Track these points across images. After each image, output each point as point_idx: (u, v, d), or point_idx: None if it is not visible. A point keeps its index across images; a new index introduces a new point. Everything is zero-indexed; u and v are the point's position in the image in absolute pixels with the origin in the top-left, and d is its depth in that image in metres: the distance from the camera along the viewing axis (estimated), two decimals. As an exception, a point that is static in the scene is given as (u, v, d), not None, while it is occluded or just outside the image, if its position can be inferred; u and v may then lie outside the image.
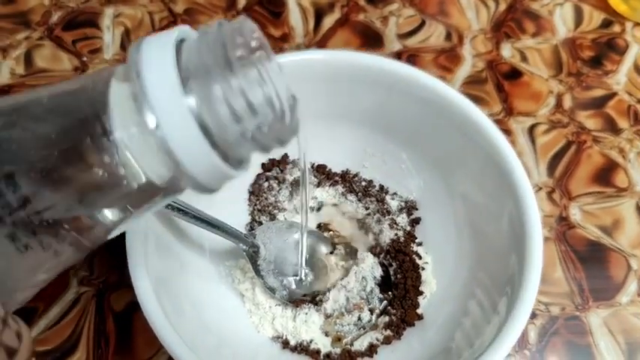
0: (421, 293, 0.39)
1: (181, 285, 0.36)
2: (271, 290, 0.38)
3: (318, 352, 0.37)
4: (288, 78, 0.38)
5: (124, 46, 0.54)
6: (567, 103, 0.53)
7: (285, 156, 0.44)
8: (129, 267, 0.32)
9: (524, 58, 0.55)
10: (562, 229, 0.46)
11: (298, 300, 0.39)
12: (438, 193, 0.41)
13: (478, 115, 0.37)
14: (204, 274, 0.38)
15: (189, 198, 0.34)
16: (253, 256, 0.38)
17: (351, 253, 0.41)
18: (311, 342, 0.38)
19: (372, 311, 0.39)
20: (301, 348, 0.37)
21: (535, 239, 0.33)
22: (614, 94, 0.53)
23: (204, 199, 0.35)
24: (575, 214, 0.47)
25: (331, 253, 0.41)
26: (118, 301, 0.42)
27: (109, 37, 0.55)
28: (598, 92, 0.53)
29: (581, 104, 0.53)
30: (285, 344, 0.38)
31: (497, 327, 0.32)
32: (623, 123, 0.51)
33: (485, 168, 0.37)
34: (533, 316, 0.42)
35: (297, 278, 0.39)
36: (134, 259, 0.31)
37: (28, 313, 0.41)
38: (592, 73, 0.55)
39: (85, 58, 0.53)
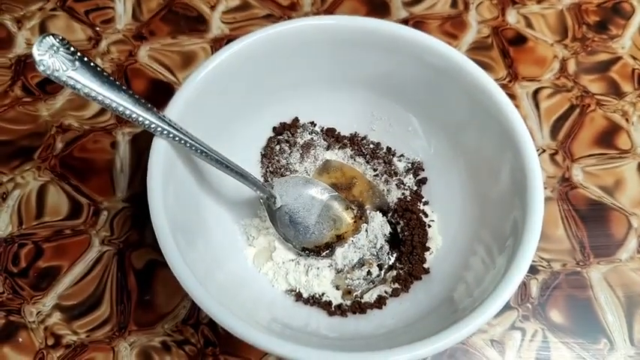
0: (428, 249, 0.41)
1: (199, 233, 0.38)
2: (285, 239, 0.40)
3: (329, 303, 0.39)
4: (299, 44, 0.40)
5: (135, 16, 0.55)
6: (572, 67, 0.53)
7: (296, 120, 0.45)
8: (149, 205, 0.33)
9: (529, 24, 0.56)
10: (564, 190, 0.47)
11: (311, 250, 0.41)
12: (443, 154, 0.42)
13: (484, 77, 0.38)
14: (222, 228, 0.40)
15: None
16: (270, 205, 0.40)
17: (362, 212, 0.42)
18: (323, 295, 0.40)
19: (380, 267, 0.41)
20: (314, 300, 0.39)
21: (536, 191, 0.34)
22: (618, 58, 0.54)
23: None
24: (577, 174, 0.48)
25: (345, 209, 0.42)
26: (138, 259, 0.44)
27: (121, 8, 0.56)
28: (602, 57, 0.54)
29: (585, 69, 0.53)
30: (299, 297, 0.40)
31: (497, 279, 0.34)
32: (627, 87, 0.52)
33: (490, 128, 0.38)
34: (535, 271, 0.44)
35: (311, 230, 0.41)
36: (154, 201, 0.33)
37: (53, 271, 0.43)
38: (597, 37, 0.55)
39: (98, 29, 0.54)
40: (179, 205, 0.35)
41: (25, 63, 0.52)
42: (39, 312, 0.41)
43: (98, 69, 0.32)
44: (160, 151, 0.34)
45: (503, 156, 0.37)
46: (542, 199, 0.34)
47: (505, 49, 0.54)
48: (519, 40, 0.55)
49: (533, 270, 0.43)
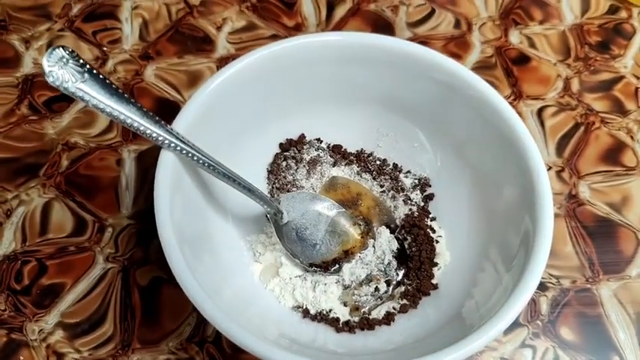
0: (435, 265, 0.41)
1: (206, 247, 0.37)
2: (293, 255, 0.40)
3: (337, 320, 0.39)
4: (305, 60, 0.40)
5: (142, 37, 0.56)
6: (575, 86, 0.54)
7: (302, 136, 0.45)
8: (156, 216, 0.33)
9: (532, 44, 0.56)
10: (572, 206, 0.47)
11: (318, 265, 0.40)
12: (451, 170, 0.42)
13: (493, 94, 0.38)
14: (228, 244, 0.40)
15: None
16: (277, 221, 0.40)
17: (369, 228, 0.42)
18: (330, 311, 0.39)
19: (388, 283, 0.41)
20: (321, 317, 0.39)
21: (546, 207, 0.34)
22: (621, 77, 0.54)
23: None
24: (584, 191, 0.48)
25: (352, 225, 0.42)
26: (142, 276, 0.43)
27: (128, 29, 0.56)
28: (605, 75, 0.54)
29: (589, 87, 0.54)
30: (306, 313, 0.39)
31: (506, 295, 0.33)
32: (630, 105, 0.52)
33: (498, 144, 0.38)
34: (545, 288, 0.43)
35: (318, 246, 0.40)
36: (161, 213, 0.33)
37: (57, 289, 0.42)
38: (599, 57, 0.56)
39: (105, 48, 0.55)
40: (186, 218, 0.35)
41: (32, 82, 0.52)
42: (41, 330, 0.41)
43: (107, 81, 0.32)
44: (168, 164, 0.34)
45: (512, 172, 0.37)
46: (552, 216, 0.34)
47: (509, 68, 0.54)
48: (523, 59, 0.55)
49: (542, 287, 0.43)
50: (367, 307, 0.40)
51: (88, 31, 0.56)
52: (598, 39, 0.57)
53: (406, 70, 0.40)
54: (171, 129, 0.35)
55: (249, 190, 0.37)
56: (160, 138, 0.34)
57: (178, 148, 0.34)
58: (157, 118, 0.34)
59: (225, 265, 0.38)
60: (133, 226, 0.45)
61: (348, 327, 0.38)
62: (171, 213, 0.33)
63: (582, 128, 0.51)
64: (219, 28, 0.56)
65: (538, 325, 0.42)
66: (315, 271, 0.40)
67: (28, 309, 0.42)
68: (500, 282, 0.36)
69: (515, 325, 0.41)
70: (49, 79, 0.30)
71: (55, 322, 0.41)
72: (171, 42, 0.55)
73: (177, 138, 0.34)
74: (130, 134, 0.50)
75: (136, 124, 0.33)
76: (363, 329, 0.38)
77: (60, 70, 0.30)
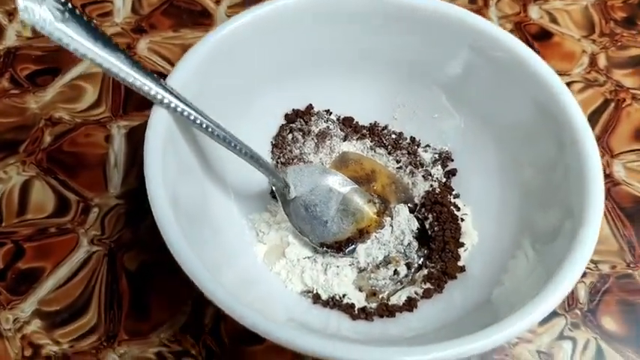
0: (462, 245, 0.36)
1: (204, 220, 0.33)
2: (302, 233, 0.35)
3: (352, 306, 0.34)
4: (315, 18, 0.36)
5: (135, 10, 0.52)
6: (602, 62, 0.50)
7: (310, 107, 0.41)
8: (145, 177, 0.28)
9: (553, 20, 0.53)
10: (606, 186, 0.43)
11: (330, 246, 0.36)
12: (477, 141, 0.38)
13: (525, 50, 0.34)
14: (229, 221, 0.35)
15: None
16: (284, 194, 0.35)
17: (386, 206, 0.38)
18: (344, 296, 0.35)
19: (409, 266, 0.36)
20: (334, 302, 0.34)
21: (596, 189, 0.29)
22: (651, 53, 0.50)
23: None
24: (618, 171, 0.44)
25: (367, 203, 0.37)
26: (131, 260, 0.38)
27: (120, 1, 0.52)
28: (634, 51, 0.51)
29: (617, 63, 0.50)
30: (316, 298, 0.35)
31: (543, 281, 0.29)
32: (662, 81, 0.49)
33: (536, 112, 0.33)
34: (583, 274, 0.39)
35: (329, 223, 0.36)
36: (152, 168, 0.28)
37: (35, 274, 0.38)
38: (626, 32, 0.52)
39: (95, 22, 0.51)
40: (181, 184, 0.31)
41: (15, 55, 0.48)
42: (16, 319, 0.36)
43: (91, 24, 0.28)
44: (161, 121, 0.30)
45: (552, 142, 0.33)
46: (603, 192, 0.30)
47: (530, 43, 0.51)
48: (544, 35, 0.52)
49: (580, 272, 0.38)
50: (386, 293, 0.35)
51: (77, 3, 0.52)
52: (623, 15, 0.54)
53: (431, 32, 0.36)
54: (166, 84, 0.30)
55: (252, 157, 0.32)
56: (152, 92, 0.29)
57: (173, 104, 0.30)
58: (149, 70, 0.30)
59: (225, 243, 0.34)
60: (121, 206, 0.41)
61: (365, 314, 0.34)
62: (163, 173, 0.29)
63: (612, 105, 0.47)
64: (217, 2, 0.52)
65: (577, 315, 0.37)
66: (327, 252, 0.36)
67: (2, 295, 0.37)
68: (536, 266, 0.31)
69: (552, 314, 0.37)
70: (24, 16, 0.26)
71: (31, 311, 0.36)
72: (166, 15, 0.51)
73: (171, 93, 0.30)
74: (121, 109, 0.45)
75: (122, 74, 0.28)
76: (382, 316, 0.34)
77: (37, 7, 0.26)
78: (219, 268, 0.30)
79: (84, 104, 0.46)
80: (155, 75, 0.30)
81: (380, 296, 0.35)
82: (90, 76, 0.47)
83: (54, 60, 0.48)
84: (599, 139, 0.45)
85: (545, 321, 0.37)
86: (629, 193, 0.42)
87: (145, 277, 0.38)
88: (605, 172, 0.42)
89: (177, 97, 0.30)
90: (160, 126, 0.30)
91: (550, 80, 0.33)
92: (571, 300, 0.38)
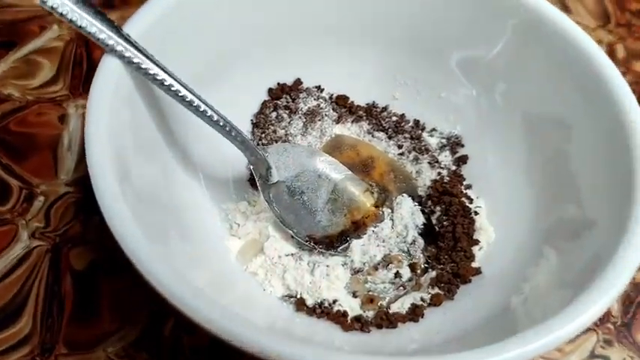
0: (476, 243, 0.31)
1: (165, 206, 0.27)
2: (284, 224, 0.29)
3: (344, 314, 0.28)
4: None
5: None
6: (620, 53, 0.46)
7: (298, 81, 0.35)
8: (85, 140, 0.22)
9: (566, 8, 0.49)
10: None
11: (319, 241, 0.30)
12: (493, 120, 0.33)
13: (568, 24, 0.29)
14: (196, 209, 0.29)
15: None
16: (264, 177, 0.29)
17: (386, 196, 0.32)
18: (334, 302, 0.28)
19: (413, 267, 0.30)
20: (322, 310, 0.28)
21: None
22: (672, 45, 0.46)
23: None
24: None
25: (363, 192, 0.32)
26: (79, 258, 0.32)
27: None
28: (653, 44, 0.46)
29: (636, 55, 0.46)
30: (301, 305, 0.28)
31: (575, 291, 0.23)
32: (688, 74, 0.44)
33: (562, 73, 0.28)
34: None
35: (319, 215, 0.30)
36: (94, 132, 0.22)
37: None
38: (644, 24, 0.48)
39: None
40: (137, 160, 0.25)
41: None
42: None
43: None
44: (111, 74, 0.24)
45: (589, 120, 0.28)
46: None
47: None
48: (557, 23, 0.47)
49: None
50: (386, 299, 0.29)
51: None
52: (639, 6, 0.50)
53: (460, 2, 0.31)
54: (121, 29, 0.24)
55: (226, 128, 0.27)
56: (102, 36, 0.23)
57: (128, 54, 0.24)
58: (99, 9, 0.24)
59: (191, 237, 0.27)
60: (71, 195, 0.34)
61: (360, 324, 0.28)
62: (112, 144, 0.23)
63: (634, 98, 0.42)
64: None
65: (610, 330, 0.31)
66: (315, 248, 0.30)
67: None
68: (565, 271, 0.25)
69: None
70: None
71: (-50, 316, 0.30)
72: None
73: (127, 40, 0.24)
74: (81, 87, 0.39)
75: (63, 9, 0.22)
76: (380, 327, 0.27)
77: None
78: (183, 269, 0.24)
79: (38, 80, 0.40)
80: (106, 15, 0.24)
81: (379, 303, 0.29)
82: (49, 51, 0.41)
83: (10, 33, 0.42)
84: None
85: (574, 337, 0.31)
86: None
87: (93, 278, 0.31)
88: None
89: (134, 46, 0.24)
90: (109, 82, 0.24)
91: (601, 63, 0.27)
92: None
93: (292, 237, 0.30)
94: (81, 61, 0.41)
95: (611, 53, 0.46)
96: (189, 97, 0.25)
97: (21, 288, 0.31)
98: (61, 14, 0.23)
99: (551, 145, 0.30)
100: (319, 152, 0.32)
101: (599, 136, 0.27)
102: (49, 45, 0.42)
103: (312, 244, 0.30)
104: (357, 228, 0.31)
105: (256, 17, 0.31)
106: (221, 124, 0.26)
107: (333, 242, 0.30)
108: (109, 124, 0.23)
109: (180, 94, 0.25)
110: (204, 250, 0.28)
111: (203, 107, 0.26)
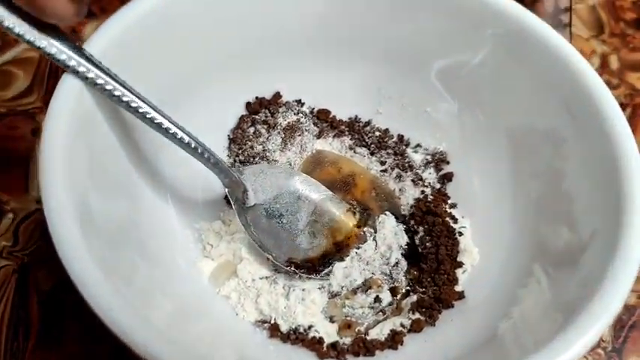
0: (460, 265, 0.29)
1: (131, 233, 0.25)
2: (262, 249, 0.28)
3: (320, 341, 0.27)
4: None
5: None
6: (614, 64, 0.45)
7: (277, 95, 0.34)
8: (39, 174, 0.21)
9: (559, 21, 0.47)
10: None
11: (300, 266, 0.28)
12: (480, 137, 0.31)
13: (563, 44, 0.27)
14: (164, 230, 0.28)
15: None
16: (240, 200, 0.28)
17: (369, 215, 0.31)
18: (310, 328, 0.27)
19: (393, 291, 0.29)
20: (296, 336, 0.27)
21: (635, 192, 0.23)
22: (666, 56, 0.45)
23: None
24: (640, 183, 0.37)
25: (344, 213, 0.30)
26: (47, 279, 0.31)
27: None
28: (648, 54, 0.45)
29: (630, 66, 0.45)
30: (274, 331, 0.27)
31: (566, 317, 0.22)
32: (682, 86, 0.43)
33: (563, 105, 0.27)
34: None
35: (299, 238, 0.29)
36: (50, 169, 0.21)
37: None
38: (638, 34, 0.47)
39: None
40: (96, 185, 0.23)
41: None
42: None
43: None
44: (70, 94, 0.23)
45: (579, 139, 0.27)
46: None
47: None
48: (550, 32, 0.46)
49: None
50: (364, 325, 0.28)
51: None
52: (633, 16, 0.49)
53: (441, 15, 0.30)
54: (82, 48, 0.23)
55: (197, 150, 0.25)
56: (63, 57, 0.22)
57: (91, 75, 0.23)
58: (58, 27, 0.23)
59: (160, 263, 0.26)
60: (42, 212, 0.33)
61: (337, 351, 0.26)
62: (70, 167, 0.21)
63: (629, 110, 0.41)
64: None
65: (600, 355, 0.30)
66: (296, 273, 0.28)
67: None
68: (554, 296, 0.24)
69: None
70: None
71: None
72: (121, -1, 0.45)
73: (89, 60, 0.23)
74: (55, 99, 0.38)
75: (20, 29, 0.21)
76: (357, 355, 0.26)
77: None
78: (149, 299, 0.23)
79: (12, 92, 0.39)
80: (66, 34, 0.23)
81: (356, 329, 0.28)
82: (23, 61, 0.40)
83: (-16, 43, 0.41)
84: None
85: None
86: (655, 210, 0.36)
87: (61, 297, 0.30)
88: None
89: (98, 66, 0.23)
90: (68, 101, 0.23)
91: (588, 79, 0.26)
92: (593, 337, 0.31)
93: (268, 259, 0.28)
94: (57, 72, 0.40)
95: (605, 64, 0.45)
96: (159, 119, 0.24)
97: (-16, 311, 0.30)
98: (18, 34, 0.21)
99: (537, 162, 0.29)
100: (298, 172, 0.31)
101: (587, 152, 0.26)
102: (23, 55, 0.41)
103: (292, 268, 0.28)
104: (339, 250, 0.29)
105: (231, 29, 0.30)
106: (192, 146, 0.25)
107: (316, 266, 0.29)
108: (67, 163, 0.21)
109: (148, 116, 0.24)
110: (174, 275, 0.27)
111: (173, 129, 0.24)
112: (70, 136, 0.22)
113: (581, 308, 0.22)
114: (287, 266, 0.29)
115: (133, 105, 0.23)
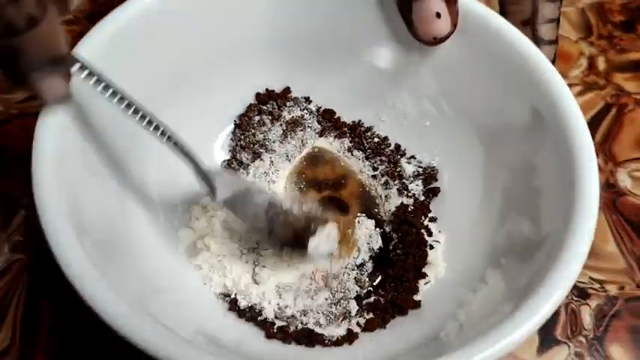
0: (423, 276, 0.30)
1: (114, 217, 0.28)
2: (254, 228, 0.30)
3: (272, 323, 0.29)
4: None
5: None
6: (601, 65, 0.46)
7: (287, 90, 0.36)
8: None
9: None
10: (611, 197, 0.38)
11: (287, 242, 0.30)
12: (471, 161, 0.32)
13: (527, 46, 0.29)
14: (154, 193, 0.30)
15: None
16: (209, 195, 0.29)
17: (341, 208, 0.32)
18: (263, 309, 0.29)
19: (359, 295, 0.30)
20: (251, 314, 0.29)
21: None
22: (654, 58, 0.46)
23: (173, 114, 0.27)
24: (623, 180, 0.39)
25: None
26: (62, 275, 0.32)
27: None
28: (635, 55, 0.47)
29: (617, 67, 0.46)
30: (233, 305, 0.29)
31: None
32: (666, 86, 0.45)
33: (530, 112, 0.29)
34: (587, 296, 0.34)
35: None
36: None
37: None
38: (625, 36, 0.48)
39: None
40: (89, 181, 0.26)
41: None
42: None
43: None
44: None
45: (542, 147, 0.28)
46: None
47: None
48: (538, 35, 0.47)
49: (584, 294, 0.33)
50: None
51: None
52: (622, 18, 0.50)
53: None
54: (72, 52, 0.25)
55: (176, 145, 0.27)
56: None
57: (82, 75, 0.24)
58: None
59: (134, 221, 0.29)
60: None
61: (283, 334, 0.28)
62: (60, 160, 0.25)
63: (614, 110, 0.43)
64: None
65: (581, 343, 0.32)
66: (285, 250, 0.30)
67: None
68: (505, 296, 0.26)
69: (553, 341, 0.32)
70: None
71: None
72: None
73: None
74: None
75: None
76: (300, 344, 0.28)
77: None
78: (118, 256, 0.26)
79: (22, 94, 0.41)
80: None
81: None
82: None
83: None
84: (601, 145, 0.41)
85: (545, 349, 0.31)
86: (636, 205, 0.38)
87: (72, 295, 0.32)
88: (608, 182, 0.38)
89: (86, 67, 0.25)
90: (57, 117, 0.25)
91: (551, 81, 0.28)
92: (575, 326, 0.32)
93: (239, 239, 0.30)
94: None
95: (593, 65, 0.46)
96: (142, 112, 0.26)
97: (0, 301, 0.31)
98: None
99: (520, 202, 0.29)
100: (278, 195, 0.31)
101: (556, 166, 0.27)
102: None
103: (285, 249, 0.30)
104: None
105: (249, 28, 0.32)
106: (167, 134, 0.26)
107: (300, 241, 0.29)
108: (59, 149, 0.23)
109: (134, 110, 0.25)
110: (150, 244, 0.29)
111: (149, 117, 0.26)
112: (61, 136, 0.24)
113: (529, 294, 0.23)
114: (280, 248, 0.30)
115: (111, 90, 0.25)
